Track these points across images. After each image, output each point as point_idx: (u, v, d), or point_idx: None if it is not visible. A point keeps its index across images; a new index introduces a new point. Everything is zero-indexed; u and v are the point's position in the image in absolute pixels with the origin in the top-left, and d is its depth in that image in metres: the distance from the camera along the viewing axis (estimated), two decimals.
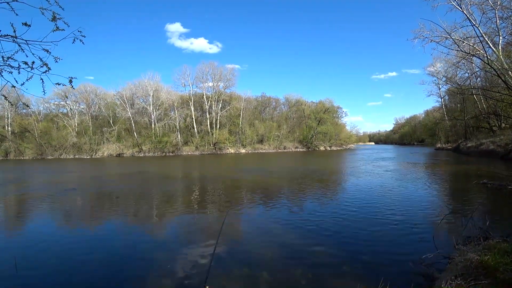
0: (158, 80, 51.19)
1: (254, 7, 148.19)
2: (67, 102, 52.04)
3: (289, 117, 58.97)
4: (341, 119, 64.60)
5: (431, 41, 18.79)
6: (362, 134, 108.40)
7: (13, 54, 2.61)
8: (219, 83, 51.73)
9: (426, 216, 6.42)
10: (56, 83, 2.76)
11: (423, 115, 79.29)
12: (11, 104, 45.94)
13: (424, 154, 32.05)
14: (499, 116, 28.30)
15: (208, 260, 4.26)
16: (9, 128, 48.98)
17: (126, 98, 49.15)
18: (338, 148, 57.21)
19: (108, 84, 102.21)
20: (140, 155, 45.62)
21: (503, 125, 29.28)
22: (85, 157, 44.86)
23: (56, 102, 53.11)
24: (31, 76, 2.69)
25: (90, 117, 51.11)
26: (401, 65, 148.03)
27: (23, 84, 2.67)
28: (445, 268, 3.63)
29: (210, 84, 51.65)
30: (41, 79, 2.70)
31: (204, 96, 50.84)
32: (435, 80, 44.19)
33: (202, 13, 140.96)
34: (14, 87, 2.65)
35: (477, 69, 28.92)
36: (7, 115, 49.37)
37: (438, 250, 4.04)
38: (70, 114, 51.50)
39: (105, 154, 46.03)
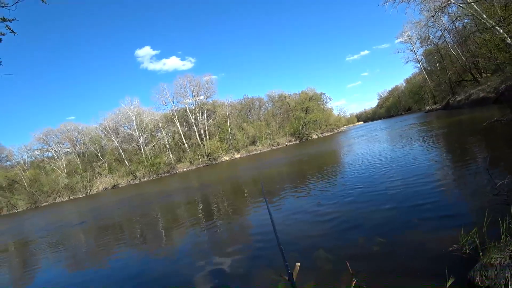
0: (137, 104, 50.26)
1: (217, 17, 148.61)
2: (50, 145, 50.84)
3: (276, 113, 58.72)
4: (327, 104, 64.78)
5: (401, 1, 19.00)
6: (349, 116, 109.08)
7: None
8: (199, 94, 51.21)
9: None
10: None
11: (404, 84, 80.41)
12: None
13: (416, 117, 32.22)
14: (478, 67, 28.70)
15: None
16: None
17: (109, 128, 48.14)
18: (330, 133, 57.12)
19: (89, 119, 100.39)
20: (136, 182, 44.55)
21: (483, 75, 29.59)
22: (80, 195, 43.63)
23: (39, 148, 51.82)
24: None
25: (77, 155, 49.84)
26: (371, 43, 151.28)
27: None
28: None
29: (191, 98, 51.10)
30: None
31: (188, 110, 50.17)
32: (409, 46, 44.94)
33: (168, 32, 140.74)
34: None
35: (447, 25, 29.47)
36: None
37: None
38: (56, 157, 50.12)
39: (100, 189, 44.79)
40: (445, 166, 6.02)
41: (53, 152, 51.00)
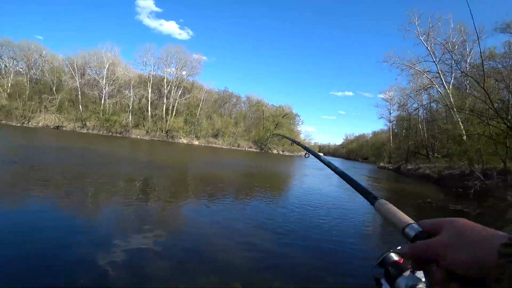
0: (116, 53, 47.48)
1: (233, 5, 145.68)
2: (3, 57, 45.55)
3: (248, 116, 59.08)
4: (297, 126, 66.74)
5: (397, 67, 20.94)
6: (313, 144, 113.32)
7: None
8: (183, 69, 49.75)
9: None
10: None
11: (371, 135, 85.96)
12: None
13: (370, 170, 34.48)
14: (434, 147, 31.76)
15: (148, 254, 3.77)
16: None
17: (76, 66, 44.55)
18: (290, 154, 58.57)
19: (58, 48, 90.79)
20: (83, 131, 41.68)
21: (435, 155, 32.81)
22: (14, 124, 39.37)
23: None
24: None
25: (28, 79, 45.10)
26: (357, 87, 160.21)
27: None
28: None
29: (173, 69, 49.42)
30: None
31: (165, 80, 48.41)
32: (387, 105, 48.32)
33: None
34: None
35: (425, 102, 32.34)
36: None
37: None
38: (4, 72, 44.95)
39: (40, 124, 40.91)
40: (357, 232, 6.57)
41: (3, 66, 45.69)
